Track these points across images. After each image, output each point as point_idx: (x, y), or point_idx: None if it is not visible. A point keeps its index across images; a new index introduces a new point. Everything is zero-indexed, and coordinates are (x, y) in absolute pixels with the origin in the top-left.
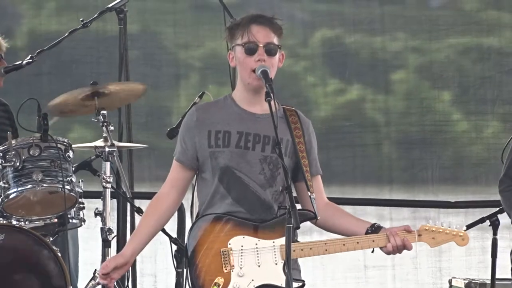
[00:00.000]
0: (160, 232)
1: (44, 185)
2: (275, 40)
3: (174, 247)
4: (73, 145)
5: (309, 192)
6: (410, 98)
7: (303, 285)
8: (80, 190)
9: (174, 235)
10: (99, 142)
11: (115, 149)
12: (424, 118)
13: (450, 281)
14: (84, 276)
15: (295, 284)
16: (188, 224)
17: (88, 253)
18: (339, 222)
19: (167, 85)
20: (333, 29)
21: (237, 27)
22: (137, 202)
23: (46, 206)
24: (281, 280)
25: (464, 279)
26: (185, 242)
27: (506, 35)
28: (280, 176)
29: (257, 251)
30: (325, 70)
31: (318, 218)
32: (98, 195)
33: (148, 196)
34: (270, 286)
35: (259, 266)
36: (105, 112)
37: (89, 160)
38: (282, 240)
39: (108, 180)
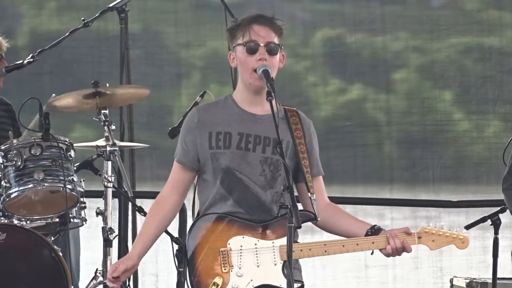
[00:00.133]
0: None
1: (46, 184)
2: (276, 40)
3: (176, 247)
4: (74, 145)
5: (309, 193)
6: (411, 97)
7: (302, 286)
8: (82, 190)
9: (176, 234)
10: (101, 142)
11: (117, 148)
12: (425, 117)
13: (451, 281)
14: (85, 276)
15: (294, 285)
16: (190, 224)
17: (90, 253)
18: (339, 223)
19: (169, 84)
20: (334, 29)
21: (237, 28)
22: (139, 202)
23: (48, 206)
24: (280, 280)
25: (465, 279)
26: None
27: (507, 34)
28: (280, 178)
29: (256, 251)
30: (326, 69)
31: (318, 219)
32: (100, 194)
33: (150, 195)
34: (269, 286)
35: (258, 266)
36: (106, 111)
37: (90, 159)
38: (281, 241)
39: (110, 179)
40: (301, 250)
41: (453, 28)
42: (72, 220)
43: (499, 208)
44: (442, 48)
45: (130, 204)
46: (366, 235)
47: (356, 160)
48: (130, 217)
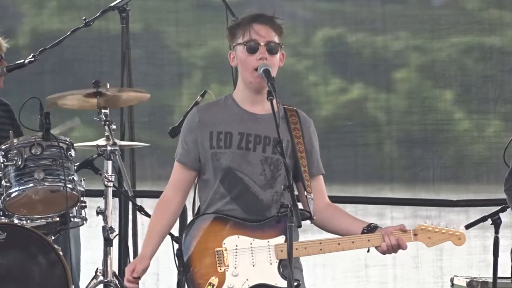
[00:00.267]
0: None
1: (46, 183)
2: (276, 39)
3: (176, 246)
4: (75, 144)
5: (305, 192)
6: (412, 97)
7: (298, 285)
8: (82, 189)
9: (176, 234)
10: (101, 141)
11: (117, 147)
12: (426, 117)
13: (452, 280)
14: (85, 275)
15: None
16: None
17: (90, 252)
18: (338, 223)
19: (170, 84)
20: (335, 28)
21: (238, 27)
22: (139, 201)
23: (48, 205)
24: (275, 279)
25: (466, 278)
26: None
27: (508, 34)
28: (280, 177)
29: (251, 250)
30: (327, 69)
31: (314, 218)
32: (100, 194)
33: (150, 194)
34: (264, 286)
35: (253, 266)
36: (107, 111)
37: (91, 158)
38: (277, 240)
39: (110, 179)
40: (296, 249)
41: (453, 28)
42: (72, 219)
43: (499, 207)
44: (442, 48)
45: (130, 203)
46: (362, 233)
47: (356, 159)
48: (130, 217)
